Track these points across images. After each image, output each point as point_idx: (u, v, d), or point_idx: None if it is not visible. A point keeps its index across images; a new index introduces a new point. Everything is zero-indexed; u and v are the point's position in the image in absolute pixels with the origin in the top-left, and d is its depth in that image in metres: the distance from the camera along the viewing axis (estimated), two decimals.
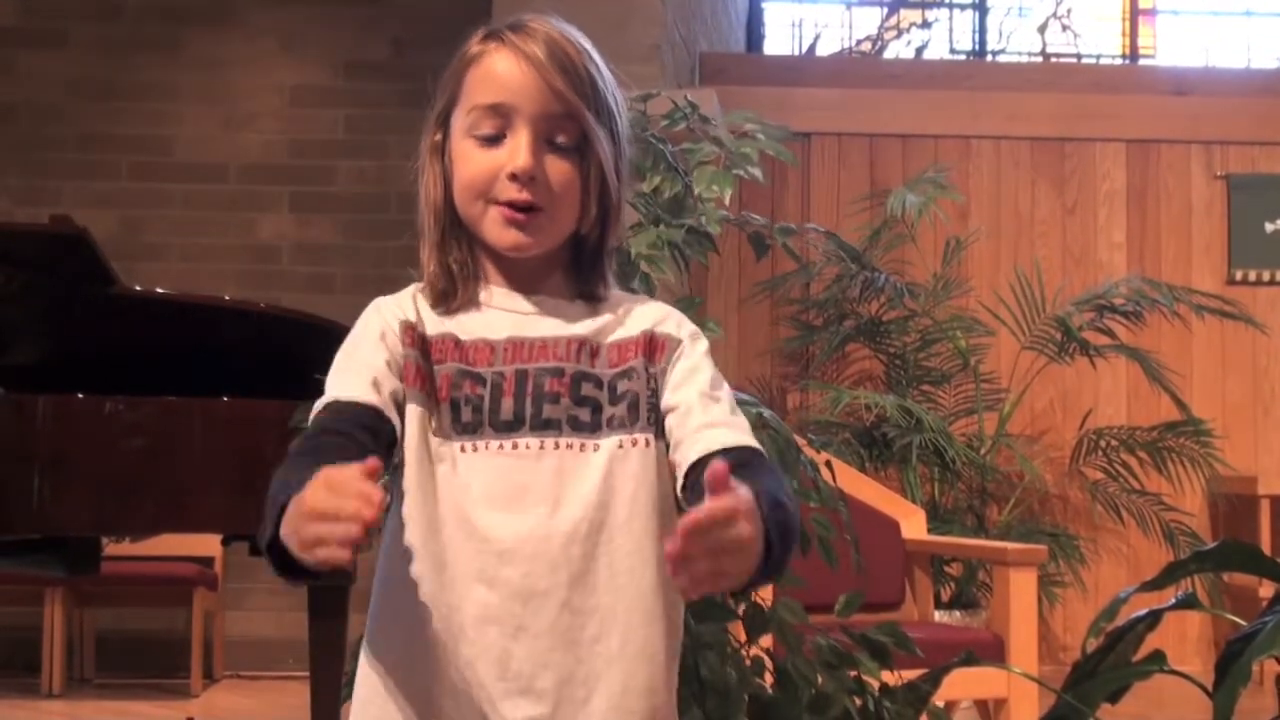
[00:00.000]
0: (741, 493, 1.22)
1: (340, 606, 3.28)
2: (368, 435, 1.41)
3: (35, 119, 6.68)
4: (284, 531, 1.27)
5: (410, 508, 1.45)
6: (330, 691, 3.23)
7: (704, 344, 1.53)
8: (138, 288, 3.53)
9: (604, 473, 1.46)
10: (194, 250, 6.65)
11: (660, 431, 1.49)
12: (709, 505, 1.20)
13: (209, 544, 5.80)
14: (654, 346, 1.50)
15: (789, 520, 1.36)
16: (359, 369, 1.47)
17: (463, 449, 1.46)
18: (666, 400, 1.49)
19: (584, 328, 1.51)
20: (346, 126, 6.75)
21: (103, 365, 3.34)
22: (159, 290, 3.80)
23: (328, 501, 1.21)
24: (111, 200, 6.59)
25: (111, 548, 4.66)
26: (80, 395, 3.07)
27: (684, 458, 1.45)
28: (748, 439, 1.47)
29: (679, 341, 1.51)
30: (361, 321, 1.54)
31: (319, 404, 1.47)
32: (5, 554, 3.23)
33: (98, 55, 6.72)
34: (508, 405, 1.46)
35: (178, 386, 3.16)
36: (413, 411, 1.46)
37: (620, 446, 1.46)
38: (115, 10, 6.76)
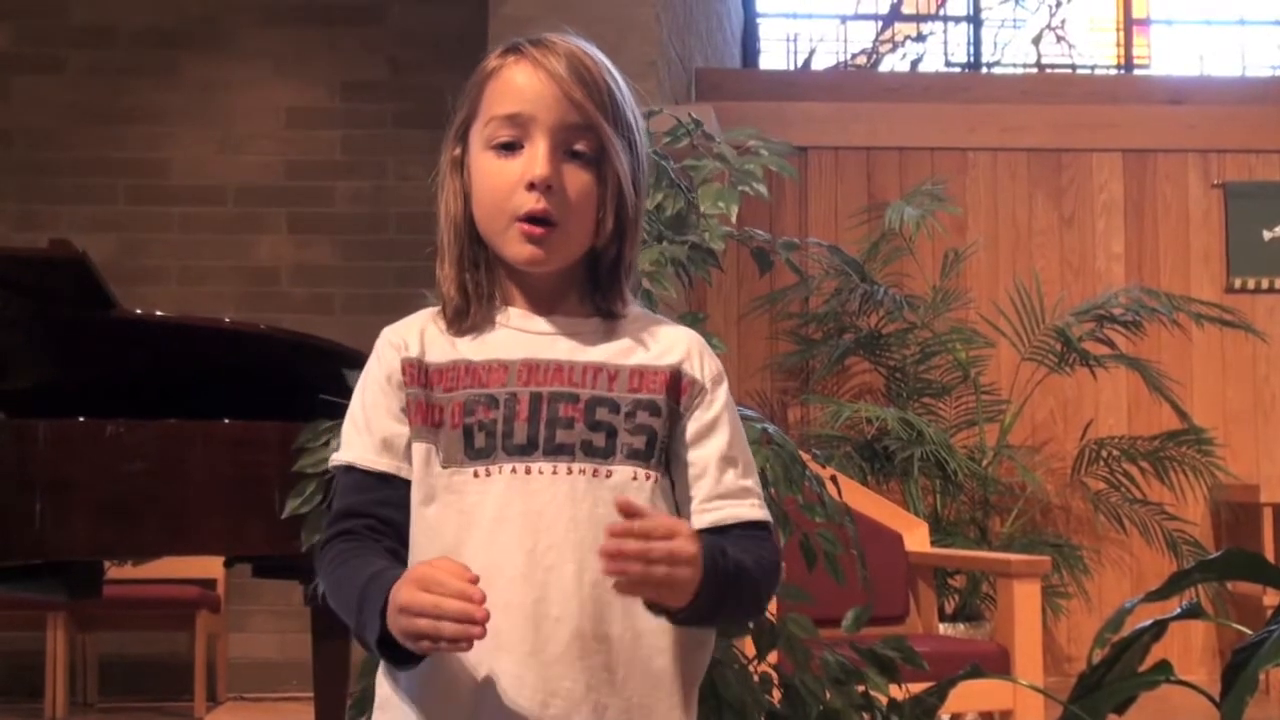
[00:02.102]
0: (677, 521, 1.36)
1: (344, 627, 3.27)
2: (390, 509, 1.48)
3: (32, 144, 6.68)
4: (390, 623, 1.35)
5: (420, 539, 1.47)
6: (334, 713, 3.22)
7: (724, 387, 1.55)
8: (137, 311, 3.53)
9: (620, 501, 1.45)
10: (192, 272, 6.66)
11: (666, 467, 1.50)
12: (653, 516, 1.33)
13: (211, 566, 5.80)
14: (679, 387, 1.51)
15: (740, 578, 1.41)
16: (373, 428, 1.51)
17: (476, 474, 1.46)
18: (683, 452, 1.51)
19: (601, 352, 1.51)
20: (343, 147, 6.76)
21: (103, 389, 3.33)
22: (158, 313, 3.80)
23: (424, 601, 1.30)
24: (109, 224, 6.60)
25: (113, 571, 4.66)
26: (80, 419, 3.07)
27: (702, 517, 1.49)
28: (756, 510, 1.51)
29: (702, 387, 1.52)
30: (370, 365, 1.57)
31: (338, 458, 1.53)
32: (7, 579, 3.22)
33: (94, 80, 6.74)
34: (521, 429, 1.46)
35: (178, 409, 3.16)
36: (418, 449, 1.48)
37: (634, 479, 1.47)
38: (111, 35, 6.78)
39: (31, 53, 6.76)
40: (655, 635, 1.46)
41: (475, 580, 1.30)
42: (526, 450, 1.46)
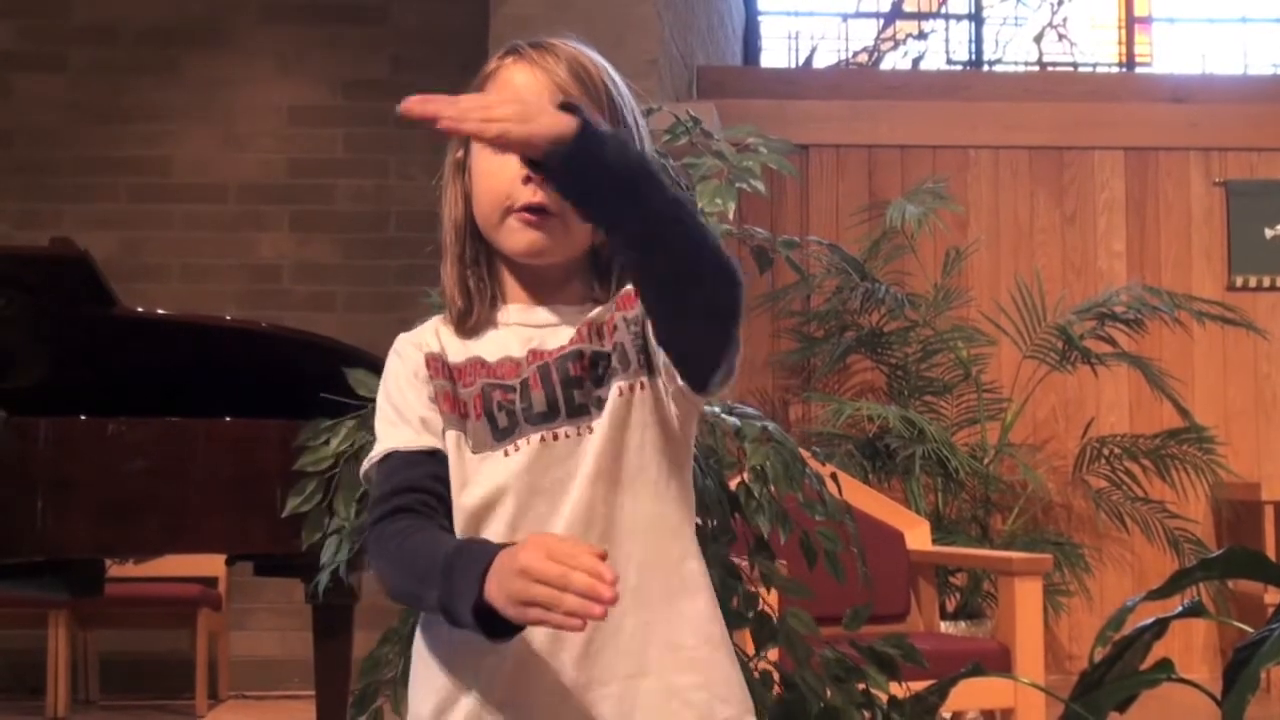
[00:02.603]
0: None
1: (345, 625, 3.28)
2: (441, 485, 1.48)
3: (34, 142, 6.68)
4: (490, 590, 1.30)
5: (460, 526, 1.48)
6: (336, 710, 3.22)
7: None
8: (139, 309, 3.53)
9: (610, 420, 1.48)
10: (194, 270, 6.66)
11: (653, 370, 1.50)
12: None
13: (213, 564, 5.79)
14: (629, 298, 1.51)
15: (663, 177, 1.34)
16: (406, 414, 1.52)
17: (506, 453, 1.48)
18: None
19: (591, 315, 1.53)
20: (345, 145, 6.76)
21: (104, 387, 3.33)
22: (160, 311, 3.80)
23: (550, 569, 1.25)
24: (111, 222, 6.60)
25: (115, 569, 4.66)
26: (82, 417, 3.07)
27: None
28: None
29: None
30: (391, 363, 1.58)
31: (376, 454, 1.53)
32: (9, 577, 3.22)
33: (96, 78, 6.74)
34: (538, 397, 1.49)
35: (180, 407, 3.16)
36: (450, 436, 1.50)
37: (620, 394, 1.48)
38: (113, 33, 6.78)
39: (33, 51, 6.76)
40: (669, 548, 1.49)
41: (604, 557, 1.26)
42: (549, 417, 1.48)
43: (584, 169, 1.31)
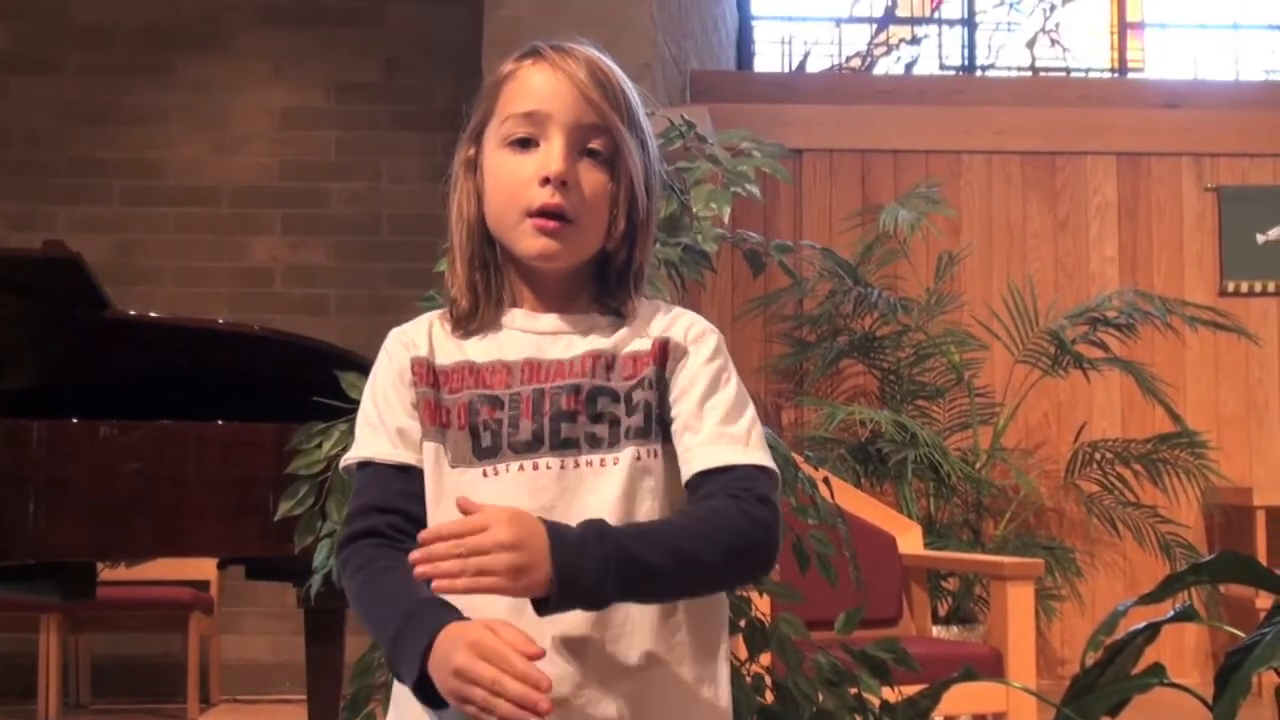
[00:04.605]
0: (495, 510, 1.32)
1: (337, 629, 3.28)
2: (413, 502, 1.48)
3: (28, 144, 6.68)
4: (432, 671, 1.33)
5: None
6: (327, 715, 3.22)
7: (710, 343, 1.52)
8: (131, 312, 3.52)
9: (624, 487, 1.46)
10: (187, 273, 6.66)
11: (668, 436, 1.50)
12: (478, 513, 1.32)
13: (204, 568, 5.79)
14: (666, 354, 1.50)
15: (637, 548, 1.36)
16: (387, 420, 1.52)
17: (485, 474, 1.47)
18: (671, 410, 1.49)
19: (602, 342, 1.51)
20: (338, 148, 6.76)
21: (97, 390, 3.33)
22: (152, 314, 3.79)
23: (483, 672, 1.28)
24: (104, 224, 6.60)
25: (107, 573, 4.65)
26: (74, 420, 3.06)
27: (683, 476, 1.47)
28: (734, 454, 1.46)
29: (685, 350, 1.51)
30: (380, 362, 1.57)
31: (354, 455, 1.54)
32: (1, 580, 3.22)
33: (90, 80, 6.74)
34: (526, 426, 1.47)
35: (172, 410, 3.15)
36: (428, 449, 1.49)
37: (638, 459, 1.47)
38: (106, 36, 6.78)
39: (28, 53, 6.75)
40: (663, 615, 1.47)
41: (541, 655, 1.28)
42: (533, 446, 1.46)
43: (571, 605, 1.35)
